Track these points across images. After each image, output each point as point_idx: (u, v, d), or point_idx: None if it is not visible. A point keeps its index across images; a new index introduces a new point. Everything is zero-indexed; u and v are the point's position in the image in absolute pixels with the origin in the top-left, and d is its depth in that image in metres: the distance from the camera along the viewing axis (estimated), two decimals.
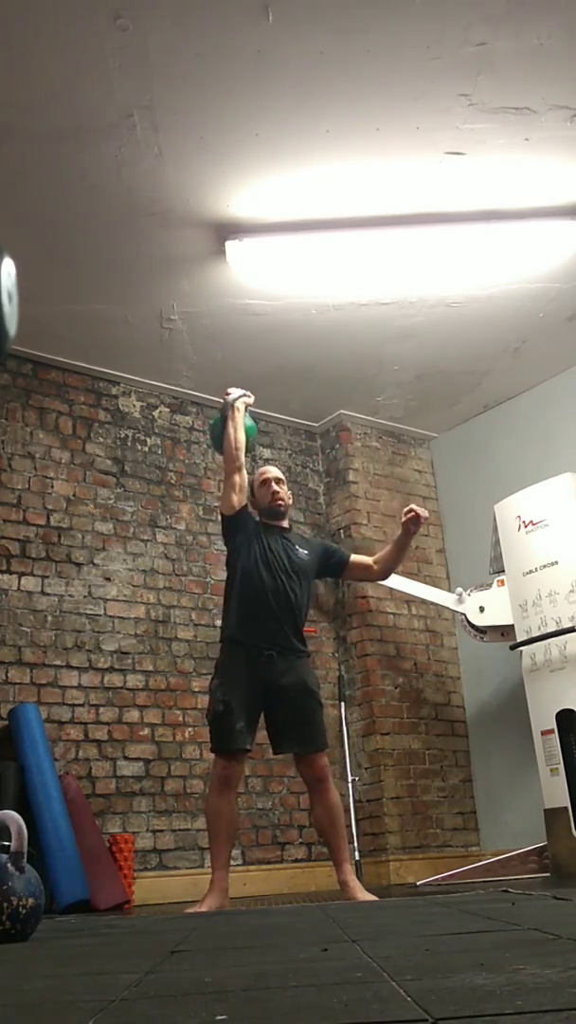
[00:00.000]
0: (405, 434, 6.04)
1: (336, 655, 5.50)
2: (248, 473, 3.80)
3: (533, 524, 4.54)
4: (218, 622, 4.92)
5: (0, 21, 2.95)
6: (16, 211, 3.81)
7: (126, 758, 4.56)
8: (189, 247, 4.12)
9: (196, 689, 4.84)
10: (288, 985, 1.08)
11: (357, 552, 4.17)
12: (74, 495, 4.82)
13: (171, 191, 3.77)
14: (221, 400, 3.86)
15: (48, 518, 4.69)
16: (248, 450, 3.82)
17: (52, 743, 4.27)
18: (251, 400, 3.85)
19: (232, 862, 3.57)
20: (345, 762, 5.04)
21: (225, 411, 3.79)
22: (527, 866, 4.43)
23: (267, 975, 1.18)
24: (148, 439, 5.21)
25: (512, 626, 4.65)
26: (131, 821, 4.48)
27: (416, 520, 3.59)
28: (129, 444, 5.12)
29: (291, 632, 3.54)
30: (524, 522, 4.58)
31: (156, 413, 5.29)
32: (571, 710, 4.23)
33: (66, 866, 3.82)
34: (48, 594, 4.56)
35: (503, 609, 4.77)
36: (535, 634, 4.43)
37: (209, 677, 3.80)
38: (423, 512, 3.61)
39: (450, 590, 5.36)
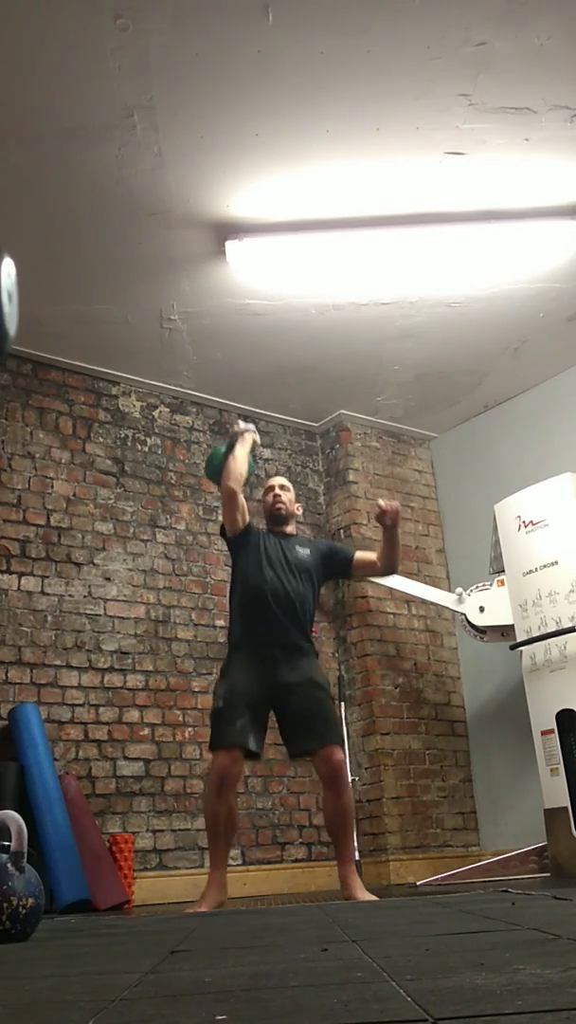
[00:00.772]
0: (405, 434, 6.04)
1: (336, 655, 5.50)
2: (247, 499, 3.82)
3: (533, 524, 4.54)
4: (218, 622, 4.96)
5: (0, 21, 2.95)
6: (16, 211, 3.81)
7: (126, 758, 4.56)
8: (189, 247, 4.12)
9: (196, 689, 4.84)
10: (288, 985, 1.08)
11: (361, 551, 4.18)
12: (74, 495, 4.82)
13: (171, 191, 3.77)
14: (230, 427, 3.90)
15: (48, 518, 4.69)
16: (243, 483, 3.81)
17: (52, 743, 4.27)
18: (259, 439, 3.91)
19: (232, 862, 3.58)
20: (345, 762, 5.03)
21: (234, 439, 3.76)
22: (527, 866, 4.43)
23: (267, 975, 1.18)
24: (148, 439, 5.21)
25: (512, 626, 4.65)
26: (131, 821, 4.48)
27: (384, 515, 3.58)
28: (129, 444, 5.12)
29: (293, 629, 3.54)
30: (524, 522, 4.58)
31: (156, 413, 5.30)
32: (571, 710, 4.23)
33: (66, 866, 3.82)
34: (48, 594, 4.56)
35: (503, 609, 4.77)
36: (535, 634, 4.43)
37: (209, 677, 3.80)
38: (387, 505, 3.59)
39: (450, 590, 5.35)
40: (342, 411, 5.74)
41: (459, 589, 5.10)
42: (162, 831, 4.56)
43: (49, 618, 4.53)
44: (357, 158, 3.63)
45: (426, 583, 5.46)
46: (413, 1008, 0.86)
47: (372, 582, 5.23)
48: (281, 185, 3.77)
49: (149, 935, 2.25)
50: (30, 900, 2.17)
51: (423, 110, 3.40)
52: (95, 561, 4.77)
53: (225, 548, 4.02)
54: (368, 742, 5.21)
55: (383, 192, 3.83)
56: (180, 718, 4.78)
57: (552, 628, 4.35)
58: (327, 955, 1.39)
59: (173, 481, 5.22)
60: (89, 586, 4.71)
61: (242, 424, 3.84)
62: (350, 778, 4.98)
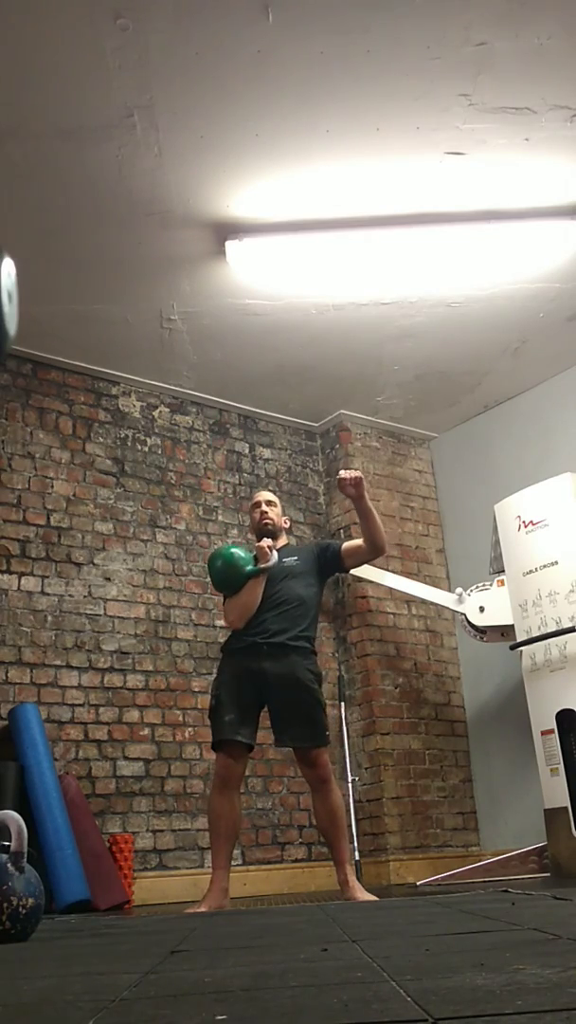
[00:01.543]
0: (405, 434, 6.04)
1: (336, 655, 5.50)
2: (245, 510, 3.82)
3: (533, 524, 4.54)
4: (218, 622, 4.95)
5: (0, 21, 2.95)
6: (17, 211, 3.81)
7: (126, 758, 4.56)
8: (189, 247, 4.12)
9: (196, 689, 4.84)
10: (288, 985, 1.08)
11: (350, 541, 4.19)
12: (74, 495, 4.82)
13: (171, 191, 3.77)
14: (258, 547, 3.66)
15: (48, 518, 4.69)
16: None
17: (52, 743, 4.27)
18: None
19: (232, 862, 3.57)
20: (345, 762, 5.04)
21: (260, 572, 3.61)
22: (527, 866, 4.43)
23: (267, 975, 1.18)
24: (148, 439, 5.21)
25: (512, 626, 4.65)
26: (131, 821, 4.48)
27: (344, 484, 3.53)
28: (129, 444, 5.12)
29: (283, 625, 3.57)
30: (524, 522, 4.58)
31: (156, 413, 5.29)
32: (571, 710, 4.23)
33: (66, 866, 3.82)
34: (48, 594, 4.56)
35: (503, 609, 4.77)
36: (535, 634, 4.43)
37: (209, 677, 3.82)
38: (346, 473, 3.54)
39: (450, 590, 5.35)
40: (342, 411, 5.74)
41: (459, 589, 5.10)
42: (162, 831, 4.56)
43: (49, 618, 4.53)
44: (357, 158, 3.63)
45: (426, 583, 5.46)
46: (413, 1008, 0.86)
47: (372, 582, 5.23)
48: (281, 185, 3.77)
49: (149, 935, 2.25)
50: (30, 900, 2.17)
51: (423, 110, 3.40)
52: (95, 561, 4.77)
53: None
54: (368, 742, 5.21)
55: (383, 192, 3.83)
56: (180, 718, 4.78)
57: (552, 628, 4.35)
58: (327, 955, 1.38)
59: (173, 481, 5.22)
60: (89, 586, 4.71)
61: (274, 557, 3.64)
62: (350, 778, 5.02)
